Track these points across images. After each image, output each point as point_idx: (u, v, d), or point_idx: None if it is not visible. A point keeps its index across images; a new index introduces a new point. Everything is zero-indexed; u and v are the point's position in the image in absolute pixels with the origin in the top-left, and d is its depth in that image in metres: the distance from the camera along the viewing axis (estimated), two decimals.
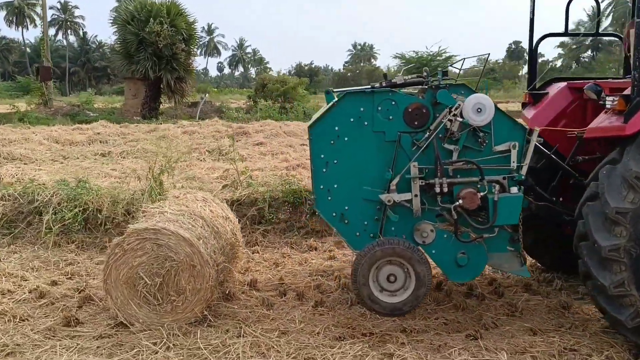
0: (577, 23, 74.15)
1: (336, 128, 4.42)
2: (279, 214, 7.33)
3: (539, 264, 6.24)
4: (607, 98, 4.21)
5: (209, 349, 4.23)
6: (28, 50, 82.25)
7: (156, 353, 4.18)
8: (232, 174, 8.81)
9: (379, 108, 4.41)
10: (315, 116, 5.52)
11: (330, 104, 4.41)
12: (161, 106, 28.55)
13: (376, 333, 4.54)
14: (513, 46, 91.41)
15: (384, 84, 4.70)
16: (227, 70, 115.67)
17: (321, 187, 4.51)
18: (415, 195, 4.39)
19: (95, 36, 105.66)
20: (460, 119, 4.29)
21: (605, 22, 71.50)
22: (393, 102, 4.41)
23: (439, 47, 54.24)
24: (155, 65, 25.80)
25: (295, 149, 13.98)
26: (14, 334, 4.49)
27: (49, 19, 52.17)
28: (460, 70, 5.50)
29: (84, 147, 14.54)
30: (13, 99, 32.58)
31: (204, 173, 9.33)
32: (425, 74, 4.86)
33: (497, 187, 4.34)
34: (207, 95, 35.04)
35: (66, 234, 6.96)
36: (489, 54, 4.71)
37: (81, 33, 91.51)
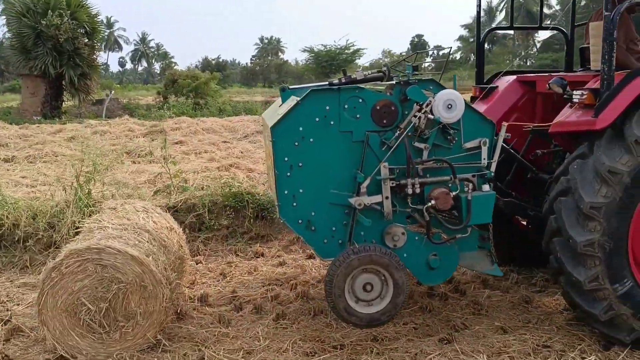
0: (473, 17, 77.87)
1: (300, 128, 4.09)
2: (220, 220, 6.86)
3: None
4: (574, 92, 4.17)
5: None
6: None
7: None
8: (161, 178, 8.22)
9: (346, 106, 4.12)
10: (267, 113, 5.15)
11: (294, 103, 4.06)
12: (64, 104, 26.64)
13: (347, 345, 4.30)
14: (416, 39, 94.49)
15: (343, 80, 4.43)
16: (129, 66, 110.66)
17: (285, 192, 4.15)
18: (387, 198, 4.16)
19: None
20: (431, 116, 4.09)
21: (500, 16, 75.74)
22: (360, 100, 4.13)
23: (347, 41, 55.01)
24: (55, 61, 23.97)
25: (219, 147, 13.41)
26: None
27: None
28: (412, 64, 5.33)
29: None
30: None
31: (129, 177, 8.60)
32: (385, 68, 4.64)
33: (470, 185, 4.19)
34: (112, 92, 33.21)
35: None
36: (450, 47, 4.57)
37: None
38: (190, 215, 6.83)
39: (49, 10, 23.63)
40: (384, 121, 4.16)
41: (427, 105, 4.07)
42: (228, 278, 5.81)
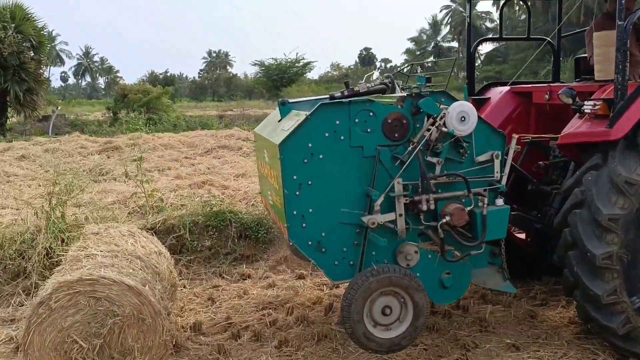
0: (419, 31, 79.80)
1: (310, 145, 3.84)
2: (202, 241, 6.50)
3: None
4: (586, 103, 4.11)
5: None
6: None
7: None
8: (132, 198, 7.78)
9: (356, 120, 3.91)
10: (260, 128, 4.88)
11: (303, 118, 3.81)
12: (8, 122, 25.35)
13: None
14: (364, 52, 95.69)
15: (345, 93, 4.23)
16: (72, 81, 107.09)
17: (294, 212, 3.89)
18: (400, 215, 3.96)
19: None
20: (445, 129, 3.93)
21: (445, 30, 77.76)
22: (371, 113, 3.93)
23: (297, 54, 55.08)
24: None
25: (182, 163, 12.91)
26: None
27: None
28: (408, 75, 5.19)
29: None
30: None
31: (96, 198, 8.09)
32: (388, 80, 4.47)
33: (485, 200, 4.05)
34: (59, 108, 31.92)
35: None
36: (455, 58, 4.42)
37: None
38: (170, 237, 6.44)
39: None
40: (396, 135, 3.97)
41: (441, 118, 3.91)
42: (217, 303, 5.47)
